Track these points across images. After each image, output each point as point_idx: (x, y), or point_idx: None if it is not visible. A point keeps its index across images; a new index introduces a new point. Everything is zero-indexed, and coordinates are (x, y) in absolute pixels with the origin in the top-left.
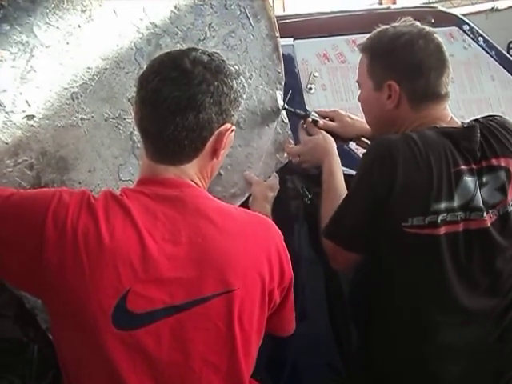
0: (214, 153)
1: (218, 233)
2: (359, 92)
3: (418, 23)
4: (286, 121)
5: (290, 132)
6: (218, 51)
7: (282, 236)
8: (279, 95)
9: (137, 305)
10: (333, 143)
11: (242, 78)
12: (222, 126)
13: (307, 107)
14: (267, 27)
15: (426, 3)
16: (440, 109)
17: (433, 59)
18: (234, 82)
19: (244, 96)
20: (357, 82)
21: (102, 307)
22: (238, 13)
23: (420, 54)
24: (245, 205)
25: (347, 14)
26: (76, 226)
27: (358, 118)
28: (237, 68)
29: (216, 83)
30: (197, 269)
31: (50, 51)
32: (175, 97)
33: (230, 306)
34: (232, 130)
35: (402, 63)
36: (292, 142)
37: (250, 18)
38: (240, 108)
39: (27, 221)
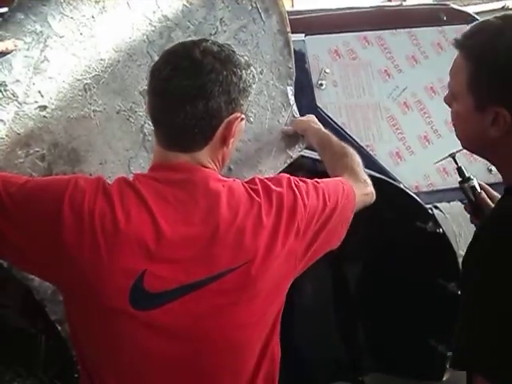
0: (224, 141)
1: (227, 211)
2: (448, 94)
3: None
4: (297, 115)
5: None
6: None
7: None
8: (290, 90)
9: (153, 285)
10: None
11: (251, 68)
12: (231, 114)
13: (318, 103)
14: (278, 22)
15: (438, 0)
16: None
17: None
18: (244, 72)
19: (253, 86)
20: (449, 84)
21: (119, 288)
22: (250, 8)
23: None
24: None
25: (358, 10)
26: (93, 210)
27: None
28: (247, 59)
29: (225, 73)
30: (210, 247)
31: (63, 41)
32: (185, 86)
33: (246, 278)
34: (241, 119)
35: None
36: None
37: (262, 13)
38: (249, 98)
39: (44, 206)
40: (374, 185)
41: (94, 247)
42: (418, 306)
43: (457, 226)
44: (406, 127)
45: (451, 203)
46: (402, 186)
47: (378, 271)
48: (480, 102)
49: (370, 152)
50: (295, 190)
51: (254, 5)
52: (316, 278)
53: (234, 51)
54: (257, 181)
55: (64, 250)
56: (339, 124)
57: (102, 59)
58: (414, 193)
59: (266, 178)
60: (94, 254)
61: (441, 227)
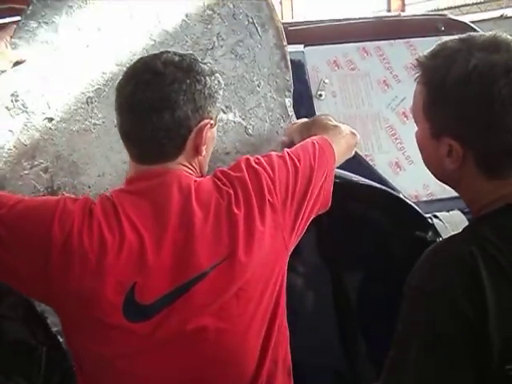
0: (196, 149)
1: (199, 208)
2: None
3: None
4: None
5: None
6: (227, 60)
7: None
8: (288, 102)
9: (144, 296)
10: None
11: (216, 74)
12: (199, 122)
13: (317, 114)
14: (275, 37)
15: (435, 10)
16: None
17: None
18: (208, 78)
19: (220, 92)
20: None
21: (113, 304)
22: (246, 23)
23: (509, 103)
24: None
25: (357, 21)
26: (81, 231)
27: None
28: (210, 66)
29: (188, 81)
30: (190, 248)
31: (71, 53)
32: (149, 98)
33: (231, 271)
34: (211, 125)
35: (472, 121)
36: None
37: (258, 28)
38: (217, 104)
39: (34, 228)
40: (374, 196)
41: (84, 265)
42: None
43: None
44: (405, 137)
45: (451, 212)
46: (401, 195)
47: (377, 280)
48: (435, 130)
49: (370, 162)
50: (256, 167)
51: (251, 20)
52: (316, 288)
53: (196, 59)
54: (219, 173)
55: (54, 271)
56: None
57: (104, 72)
58: (414, 202)
59: (227, 168)
60: (85, 271)
61: (440, 236)
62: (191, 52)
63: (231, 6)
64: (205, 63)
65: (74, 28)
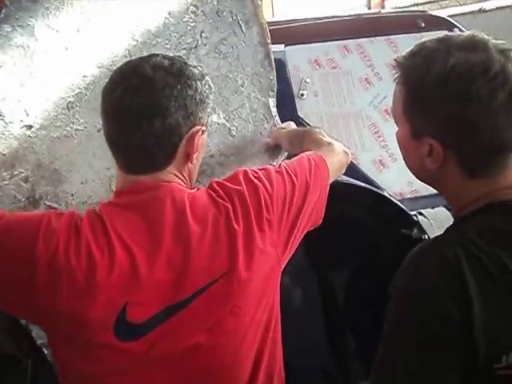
0: (188, 157)
1: (196, 224)
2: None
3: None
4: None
5: None
6: (210, 59)
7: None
8: (272, 102)
9: (136, 314)
10: None
11: (206, 78)
12: (190, 129)
13: (299, 113)
14: (259, 34)
15: (414, 4)
16: (507, 171)
17: (503, 104)
18: (198, 83)
19: (211, 97)
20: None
21: (103, 323)
22: (230, 20)
23: (487, 102)
24: None
25: (337, 19)
26: (68, 249)
27: None
28: (200, 69)
29: (179, 86)
30: (185, 264)
31: (49, 56)
32: (138, 104)
33: (229, 288)
34: (203, 132)
35: (451, 120)
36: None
37: (242, 25)
38: (208, 109)
39: (17, 247)
40: (358, 195)
41: (72, 285)
42: None
43: (442, 231)
44: (388, 134)
45: (436, 209)
46: (386, 193)
47: (364, 279)
48: (415, 130)
49: (354, 160)
50: (255, 181)
51: (235, 17)
52: (303, 286)
53: (186, 63)
54: (215, 185)
55: (40, 291)
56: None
57: (85, 76)
58: (399, 200)
59: (223, 179)
60: (73, 291)
61: (426, 233)
62: (178, 54)
63: (215, 2)
64: (195, 66)
65: (52, 30)
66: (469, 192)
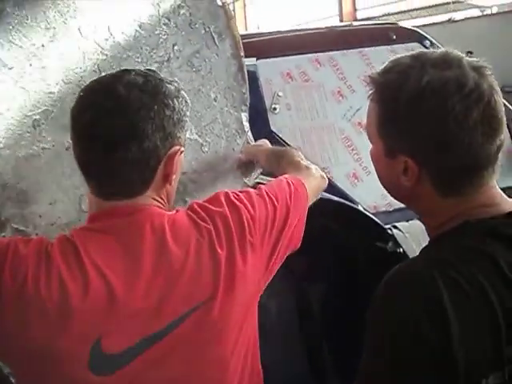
0: (166, 179)
1: (177, 248)
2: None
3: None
4: (252, 142)
5: None
6: (183, 72)
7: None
8: (244, 117)
9: (112, 346)
10: None
11: (182, 93)
12: (169, 150)
13: (272, 128)
14: (232, 46)
15: (386, 14)
16: (483, 189)
17: (478, 121)
18: (175, 101)
19: (188, 113)
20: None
21: (77, 357)
22: (203, 32)
23: (461, 120)
24: None
25: (309, 31)
26: (37, 279)
27: None
28: (176, 85)
29: (156, 107)
30: (167, 292)
31: (12, 73)
32: (113, 128)
33: (211, 315)
34: (181, 152)
35: (427, 137)
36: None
37: (215, 38)
38: (185, 128)
39: None
40: (333, 209)
41: (43, 318)
42: None
43: (417, 244)
44: (362, 147)
45: (410, 222)
46: (360, 207)
47: (340, 292)
48: (389, 148)
49: (327, 175)
50: (237, 203)
51: (208, 29)
52: (280, 299)
53: (161, 79)
54: (196, 207)
55: (7, 326)
56: (295, 148)
57: (51, 92)
58: (373, 213)
59: (204, 201)
60: (44, 325)
61: (401, 246)
62: (150, 68)
63: (187, 14)
64: (170, 82)
65: (15, 46)
66: (444, 210)
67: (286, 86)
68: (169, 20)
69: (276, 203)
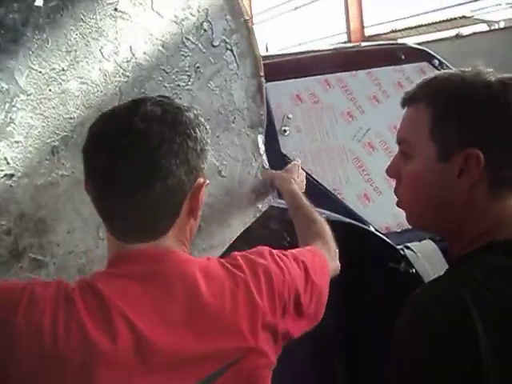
0: (191, 214)
1: (212, 298)
2: (395, 157)
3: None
4: (267, 167)
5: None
6: (203, 93)
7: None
8: (261, 139)
9: None
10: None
11: (201, 119)
12: (194, 183)
13: (283, 150)
14: (252, 65)
15: (393, 31)
16: None
17: None
18: (197, 130)
19: (209, 141)
20: (398, 142)
21: None
22: (224, 50)
23: None
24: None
25: (318, 53)
26: (56, 325)
27: None
28: (196, 112)
29: (178, 140)
30: (201, 344)
31: (31, 100)
32: (134, 168)
33: (251, 369)
34: (206, 185)
35: (494, 123)
36: (274, 189)
37: (236, 56)
38: (207, 158)
39: None
40: (345, 230)
41: (62, 370)
42: None
43: (430, 264)
44: (372, 168)
45: (422, 242)
46: (372, 228)
47: (353, 314)
48: (445, 148)
49: (338, 196)
50: (280, 263)
51: (229, 47)
52: None
53: (179, 107)
54: (237, 256)
55: (21, 378)
56: (305, 170)
57: (71, 118)
58: (385, 234)
59: (247, 252)
60: (65, 377)
61: (413, 267)
62: (166, 95)
63: (210, 31)
64: (188, 109)
65: (34, 72)
66: (487, 217)
67: (295, 108)
68: (191, 38)
69: (309, 276)
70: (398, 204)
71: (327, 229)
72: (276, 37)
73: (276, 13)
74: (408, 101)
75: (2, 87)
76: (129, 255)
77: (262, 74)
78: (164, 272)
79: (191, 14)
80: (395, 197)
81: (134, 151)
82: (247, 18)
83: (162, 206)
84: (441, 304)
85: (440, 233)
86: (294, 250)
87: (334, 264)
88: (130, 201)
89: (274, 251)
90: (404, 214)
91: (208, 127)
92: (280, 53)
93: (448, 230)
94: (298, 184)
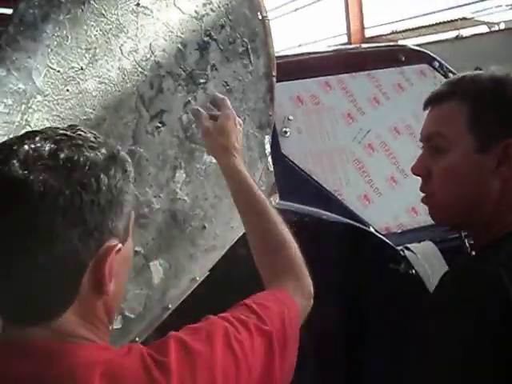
0: (99, 288)
1: None
2: (423, 154)
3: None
4: (271, 169)
5: (274, 181)
6: (218, 93)
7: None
8: (267, 140)
9: None
10: None
11: (120, 157)
12: (98, 249)
13: (283, 151)
14: (265, 65)
15: (393, 32)
16: None
17: None
18: (102, 177)
19: (131, 186)
20: (425, 139)
21: None
22: (240, 49)
23: None
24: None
25: (318, 55)
26: None
27: None
28: (110, 144)
29: (68, 192)
30: None
31: (48, 101)
32: (4, 232)
33: None
34: (119, 249)
35: None
36: (277, 191)
37: (251, 55)
38: (130, 209)
39: None
40: (346, 232)
41: None
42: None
43: (429, 265)
44: (373, 169)
45: (422, 243)
46: (372, 229)
47: (352, 315)
48: (484, 139)
49: (338, 197)
50: (235, 346)
51: (245, 45)
52: None
53: (81, 145)
54: (171, 345)
55: None
56: (306, 171)
57: (88, 119)
58: (385, 234)
59: (192, 329)
60: None
61: (413, 268)
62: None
63: (228, 29)
64: (101, 145)
65: (52, 71)
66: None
67: (296, 110)
68: (210, 37)
69: (273, 345)
70: (425, 200)
71: (294, 245)
72: (276, 38)
73: (276, 14)
74: (436, 99)
75: (19, 88)
76: (15, 347)
77: (274, 73)
78: (46, 379)
79: (212, 9)
80: (421, 193)
81: (5, 209)
82: (265, 14)
83: (47, 282)
84: (484, 284)
85: (468, 225)
86: (259, 309)
87: (306, 304)
88: (5, 274)
89: (231, 330)
90: (404, 214)
91: (130, 168)
92: (280, 54)
93: (479, 221)
94: (240, 153)
